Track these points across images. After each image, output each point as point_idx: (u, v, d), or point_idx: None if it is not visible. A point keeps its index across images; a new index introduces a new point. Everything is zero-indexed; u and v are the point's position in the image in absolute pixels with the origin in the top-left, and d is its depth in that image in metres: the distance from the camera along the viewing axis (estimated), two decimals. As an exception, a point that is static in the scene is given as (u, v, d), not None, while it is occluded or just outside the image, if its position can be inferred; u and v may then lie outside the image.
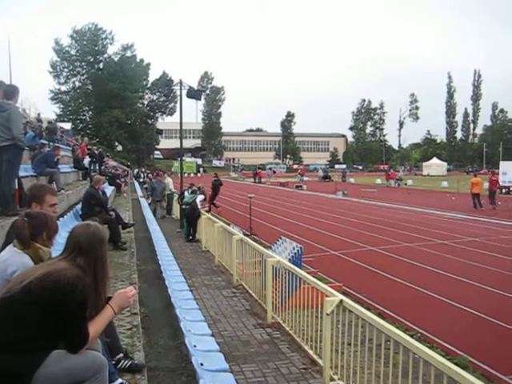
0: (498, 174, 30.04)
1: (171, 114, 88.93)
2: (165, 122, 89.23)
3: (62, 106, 78.57)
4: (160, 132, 67.35)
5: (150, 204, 22.03)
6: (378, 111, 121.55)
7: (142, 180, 40.86)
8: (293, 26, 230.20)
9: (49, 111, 67.84)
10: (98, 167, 23.62)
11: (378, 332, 4.37)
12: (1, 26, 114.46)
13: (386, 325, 4.31)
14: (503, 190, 37.30)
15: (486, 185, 38.82)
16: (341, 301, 5.06)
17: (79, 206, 10.81)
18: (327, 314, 5.11)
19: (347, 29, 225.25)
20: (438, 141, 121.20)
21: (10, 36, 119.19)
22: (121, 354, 4.00)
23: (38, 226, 3.34)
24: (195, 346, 4.49)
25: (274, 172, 72.69)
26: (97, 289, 2.87)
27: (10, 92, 6.70)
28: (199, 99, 20.76)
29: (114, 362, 3.81)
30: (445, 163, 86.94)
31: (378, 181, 56.62)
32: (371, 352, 4.51)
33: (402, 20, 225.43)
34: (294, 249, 8.90)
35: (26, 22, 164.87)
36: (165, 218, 20.70)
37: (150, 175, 32.70)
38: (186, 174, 60.40)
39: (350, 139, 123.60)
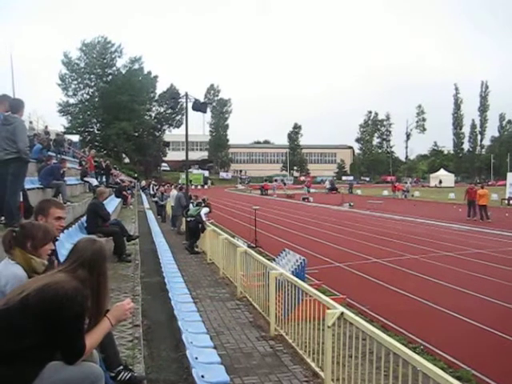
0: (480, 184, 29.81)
1: (178, 126, 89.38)
2: (172, 134, 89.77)
3: (70, 118, 79.24)
4: (167, 144, 67.88)
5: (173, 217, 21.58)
6: (384, 123, 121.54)
7: (152, 193, 40.18)
8: (299, 37, 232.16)
9: (57, 124, 68.35)
10: (105, 179, 23.83)
11: (379, 344, 4.37)
12: (5, 38, 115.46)
13: (385, 337, 4.30)
14: (510, 202, 37.16)
15: (495, 196, 38.97)
16: (342, 313, 5.06)
17: (85, 218, 10.87)
18: (328, 327, 5.11)
19: (354, 40, 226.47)
20: (446, 152, 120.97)
21: (13, 49, 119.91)
22: (121, 366, 4.01)
23: (22, 236, 3.41)
24: (197, 358, 4.50)
25: (285, 184, 72.33)
26: (98, 302, 2.93)
27: (16, 106, 6.80)
28: (205, 112, 20.84)
29: (113, 375, 3.83)
30: (452, 175, 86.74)
31: (385, 192, 56.50)
32: (372, 364, 4.50)
33: (409, 31, 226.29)
34: (297, 261, 8.91)
35: (35, 36, 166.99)
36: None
37: (161, 188, 31.21)
38: (193, 186, 60.88)
39: (357, 151, 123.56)
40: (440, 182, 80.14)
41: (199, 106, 18.88)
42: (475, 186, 28.40)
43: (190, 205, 17.10)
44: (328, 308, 5.34)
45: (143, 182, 54.81)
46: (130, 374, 4.02)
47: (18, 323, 2.59)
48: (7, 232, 3.48)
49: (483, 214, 25.88)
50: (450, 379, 3.38)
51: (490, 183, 75.27)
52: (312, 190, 62.46)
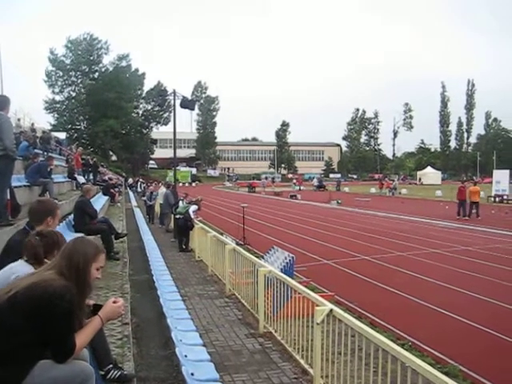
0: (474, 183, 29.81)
1: (166, 123, 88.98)
2: (159, 131, 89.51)
3: (56, 115, 78.44)
4: (154, 142, 67.62)
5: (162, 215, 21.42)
6: (372, 121, 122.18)
7: (140, 190, 40.11)
8: (287, 35, 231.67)
9: (43, 121, 67.59)
10: (92, 177, 23.69)
11: (367, 341, 4.39)
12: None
13: (374, 334, 4.32)
14: (496, 199, 37.52)
15: (482, 193, 39.18)
16: (331, 310, 5.08)
17: (72, 216, 10.78)
18: (317, 324, 5.13)
19: (341, 38, 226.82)
20: (432, 150, 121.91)
21: (1, 46, 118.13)
22: (110, 365, 3.99)
23: (51, 245, 3.46)
24: (186, 356, 4.49)
25: (274, 181, 72.51)
26: (78, 301, 2.89)
27: (1, 103, 6.73)
28: (193, 109, 20.83)
29: (103, 373, 3.81)
30: (439, 172, 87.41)
31: (373, 190, 56.80)
32: (361, 361, 4.53)
33: (397, 30, 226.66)
34: (285, 258, 8.92)
35: (22, 32, 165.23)
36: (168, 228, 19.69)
37: (150, 186, 30.14)
38: (180, 184, 60.70)
39: (345, 149, 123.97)
40: (419, 179, 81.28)
41: (187, 103, 18.86)
42: (467, 185, 28.29)
43: (180, 202, 17.01)
44: (317, 305, 5.35)
45: (130, 180, 54.38)
46: (119, 373, 3.99)
47: (6, 322, 2.57)
48: (34, 241, 3.47)
49: (472, 211, 25.89)
50: (438, 374, 3.41)
51: (476, 180, 75.69)
52: (302, 188, 62.66)
